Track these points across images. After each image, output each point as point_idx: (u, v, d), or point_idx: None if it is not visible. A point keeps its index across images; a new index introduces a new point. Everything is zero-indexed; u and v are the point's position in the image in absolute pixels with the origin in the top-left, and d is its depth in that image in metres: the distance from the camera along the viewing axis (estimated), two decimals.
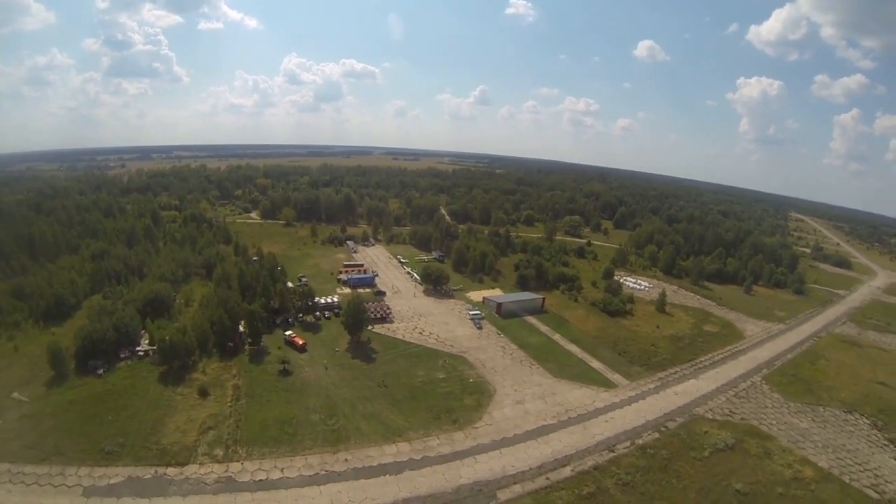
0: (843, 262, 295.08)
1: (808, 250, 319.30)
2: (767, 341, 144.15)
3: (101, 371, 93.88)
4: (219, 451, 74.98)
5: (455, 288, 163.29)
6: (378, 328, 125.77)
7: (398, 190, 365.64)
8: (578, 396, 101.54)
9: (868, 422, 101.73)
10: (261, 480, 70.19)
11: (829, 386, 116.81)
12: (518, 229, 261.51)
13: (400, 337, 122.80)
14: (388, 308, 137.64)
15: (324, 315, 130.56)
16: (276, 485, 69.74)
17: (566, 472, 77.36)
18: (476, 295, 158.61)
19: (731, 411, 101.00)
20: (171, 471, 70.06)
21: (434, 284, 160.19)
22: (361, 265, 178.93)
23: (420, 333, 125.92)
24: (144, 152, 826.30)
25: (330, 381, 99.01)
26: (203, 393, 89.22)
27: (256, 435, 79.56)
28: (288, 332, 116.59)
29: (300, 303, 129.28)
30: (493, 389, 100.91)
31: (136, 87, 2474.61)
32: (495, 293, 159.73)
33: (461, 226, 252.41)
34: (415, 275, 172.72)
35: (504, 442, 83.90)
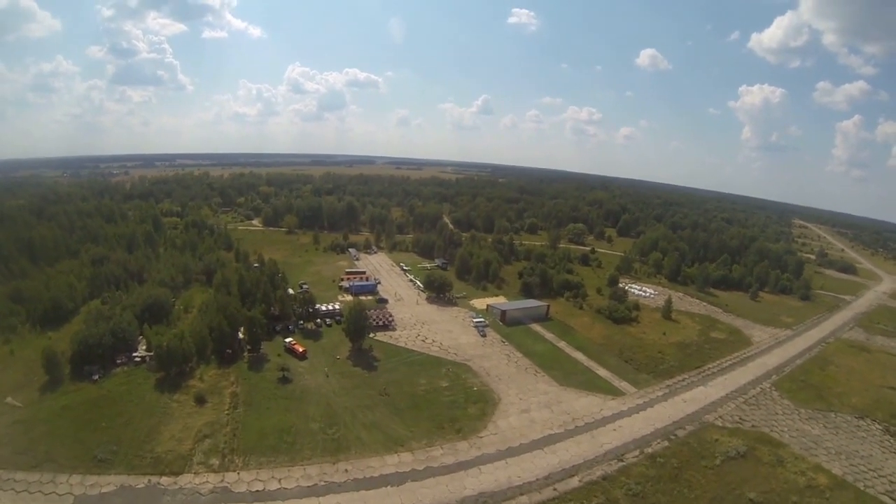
0: (848, 268, 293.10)
1: (812, 256, 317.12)
2: (775, 347, 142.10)
3: (96, 377, 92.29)
4: (215, 461, 72.80)
5: (458, 296, 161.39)
6: (380, 336, 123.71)
7: (401, 198, 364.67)
8: (585, 405, 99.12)
9: (880, 427, 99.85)
10: (257, 491, 67.93)
11: (839, 392, 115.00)
12: (521, 237, 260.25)
13: (402, 345, 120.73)
14: (391, 315, 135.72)
15: (325, 322, 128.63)
16: (274, 496, 67.52)
17: (574, 482, 74.91)
18: (480, 302, 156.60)
19: (741, 418, 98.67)
20: (164, 480, 67.98)
21: (437, 292, 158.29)
22: (363, 272, 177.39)
23: (423, 341, 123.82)
24: (148, 160, 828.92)
25: (330, 389, 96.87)
26: (200, 400, 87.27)
27: (254, 444, 77.36)
28: (288, 339, 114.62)
29: (301, 309, 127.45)
30: (497, 398, 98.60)
31: (141, 95, 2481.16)
32: (499, 301, 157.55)
33: (464, 234, 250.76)
34: (417, 282, 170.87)
35: (509, 452, 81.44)
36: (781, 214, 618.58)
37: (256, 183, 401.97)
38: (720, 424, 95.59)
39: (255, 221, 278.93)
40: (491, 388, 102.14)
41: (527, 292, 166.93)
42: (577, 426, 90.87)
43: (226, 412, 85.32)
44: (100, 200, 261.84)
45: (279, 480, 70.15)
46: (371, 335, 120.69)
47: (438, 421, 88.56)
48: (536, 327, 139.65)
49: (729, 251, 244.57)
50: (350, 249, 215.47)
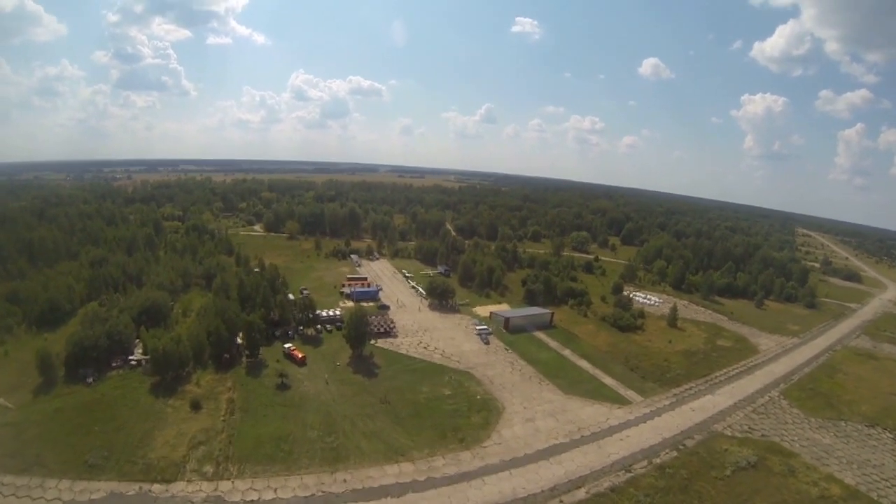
0: (852, 276, 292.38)
1: (817, 265, 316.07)
2: (783, 355, 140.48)
3: (90, 379, 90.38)
4: (208, 468, 70.44)
5: (461, 303, 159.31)
6: (381, 343, 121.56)
7: (403, 205, 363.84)
8: (591, 414, 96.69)
9: (892, 436, 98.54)
10: (252, 501, 65.53)
11: (848, 400, 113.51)
12: (524, 245, 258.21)
13: (404, 352, 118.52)
14: (392, 322, 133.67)
15: (325, 328, 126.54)
16: None
17: (581, 494, 72.38)
18: (483, 310, 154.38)
19: (750, 427, 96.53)
20: (156, 487, 65.70)
21: (440, 299, 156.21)
22: (365, 278, 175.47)
23: (425, 348, 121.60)
24: (151, 165, 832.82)
25: (330, 396, 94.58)
26: (195, 406, 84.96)
27: (249, 452, 74.99)
28: (287, 345, 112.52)
29: (301, 315, 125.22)
30: (501, 407, 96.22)
31: (145, 100, 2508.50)
32: (502, 308, 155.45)
33: (467, 241, 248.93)
34: (420, 289, 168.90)
35: (514, 462, 78.96)
36: (784, 223, 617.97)
37: (258, 189, 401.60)
38: (729, 434, 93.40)
39: (256, 227, 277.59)
40: (494, 397, 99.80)
41: (530, 300, 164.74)
42: (583, 436, 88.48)
43: (222, 418, 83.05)
44: (101, 203, 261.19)
45: (275, 490, 67.67)
46: (372, 342, 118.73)
47: (441, 430, 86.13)
48: (540, 335, 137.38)
49: (733, 259, 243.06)
50: (352, 256, 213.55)
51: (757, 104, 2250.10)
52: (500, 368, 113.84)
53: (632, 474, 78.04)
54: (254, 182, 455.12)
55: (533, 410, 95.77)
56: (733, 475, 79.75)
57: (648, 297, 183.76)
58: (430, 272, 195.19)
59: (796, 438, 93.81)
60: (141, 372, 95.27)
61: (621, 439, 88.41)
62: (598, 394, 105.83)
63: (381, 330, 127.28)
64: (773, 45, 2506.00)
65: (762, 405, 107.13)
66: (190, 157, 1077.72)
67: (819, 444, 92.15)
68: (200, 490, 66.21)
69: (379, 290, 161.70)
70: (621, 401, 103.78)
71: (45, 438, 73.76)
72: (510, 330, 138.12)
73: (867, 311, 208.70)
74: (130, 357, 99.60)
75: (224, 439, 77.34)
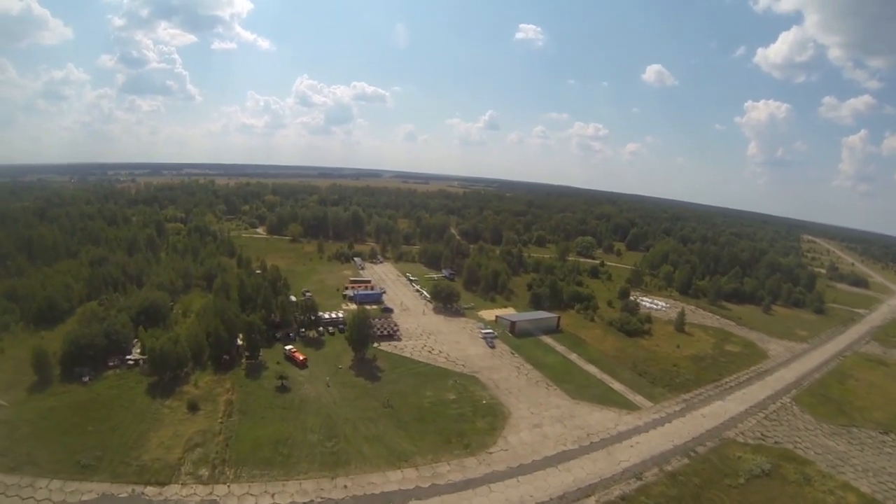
0: (860, 282, 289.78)
1: (823, 270, 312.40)
2: (792, 361, 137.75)
3: (86, 378, 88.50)
4: (204, 472, 68.00)
5: (466, 306, 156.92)
6: (384, 346, 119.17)
7: (408, 210, 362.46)
8: (600, 419, 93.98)
9: None
10: None
11: (860, 406, 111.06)
12: (529, 250, 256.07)
13: (408, 355, 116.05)
14: (396, 325, 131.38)
15: (327, 330, 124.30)
16: None
17: (591, 502, 69.68)
18: (488, 314, 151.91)
19: (763, 434, 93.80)
20: (149, 490, 63.32)
21: (444, 302, 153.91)
22: (368, 281, 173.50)
23: (429, 352, 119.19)
24: (155, 169, 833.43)
25: (331, 399, 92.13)
26: (193, 407, 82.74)
27: (247, 455, 72.56)
28: (288, 347, 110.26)
29: (303, 317, 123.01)
30: (507, 412, 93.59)
31: (150, 105, 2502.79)
32: (508, 312, 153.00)
33: (472, 245, 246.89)
34: (424, 293, 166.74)
35: (521, 469, 76.24)
36: (789, 229, 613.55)
37: (262, 192, 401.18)
38: (742, 441, 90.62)
39: (259, 229, 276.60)
40: (500, 402, 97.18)
41: (536, 304, 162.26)
42: (591, 442, 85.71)
43: (219, 420, 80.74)
44: (103, 204, 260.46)
45: (272, 495, 65.17)
46: (375, 345, 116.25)
47: (445, 435, 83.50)
48: (547, 339, 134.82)
49: (740, 264, 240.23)
50: (355, 259, 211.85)
51: (760, 111, 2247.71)
52: (505, 372, 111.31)
53: (643, 482, 75.27)
54: (257, 186, 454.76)
55: (540, 416, 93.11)
56: (747, 483, 76.99)
57: (655, 301, 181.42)
58: (435, 276, 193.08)
59: (810, 445, 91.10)
60: (138, 372, 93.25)
61: (631, 446, 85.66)
62: (607, 399, 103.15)
63: (385, 333, 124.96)
64: (776, 51, 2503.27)
65: (774, 411, 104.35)
66: (194, 161, 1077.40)
67: (833, 452, 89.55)
68: (195, 493, 63.76)
69: (382, 293, 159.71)
70: (630, 406, 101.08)
71: (38, 437, 71.84)
72: (516, 334, 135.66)
73: (876, 317, 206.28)
74: (128, 357, 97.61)
75: (221, 442, 74.96)
